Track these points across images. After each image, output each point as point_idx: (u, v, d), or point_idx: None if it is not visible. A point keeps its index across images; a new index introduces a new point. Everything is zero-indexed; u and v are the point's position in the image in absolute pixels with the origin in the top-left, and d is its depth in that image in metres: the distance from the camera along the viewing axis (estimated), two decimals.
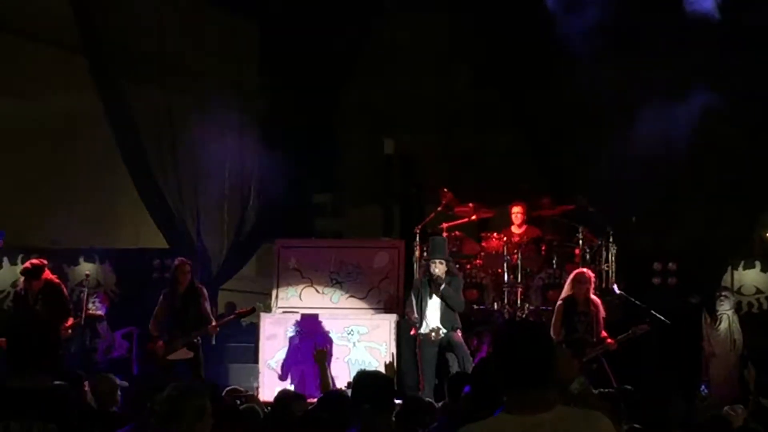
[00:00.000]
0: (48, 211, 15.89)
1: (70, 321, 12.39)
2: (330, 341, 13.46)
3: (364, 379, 5.84)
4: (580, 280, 12.53)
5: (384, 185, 18.25)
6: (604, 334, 12.45)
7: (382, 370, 12.96)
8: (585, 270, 12.84)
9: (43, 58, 15.96)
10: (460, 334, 12.50)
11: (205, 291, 12.68)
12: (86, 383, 8.36)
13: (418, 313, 12.46)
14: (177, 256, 13.05)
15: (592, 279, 12.70)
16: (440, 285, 12.34)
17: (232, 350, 14.90)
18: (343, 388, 9.96)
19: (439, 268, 12.44)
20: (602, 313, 12.51)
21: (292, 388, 12.51)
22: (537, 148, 16.05)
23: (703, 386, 12.90)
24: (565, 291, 12.70)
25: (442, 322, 12.38)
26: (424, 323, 12.44)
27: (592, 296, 12.59)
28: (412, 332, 12.68)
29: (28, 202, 15.73)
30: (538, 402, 4.01)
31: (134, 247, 15.87)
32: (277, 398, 7.85)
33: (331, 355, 13.22)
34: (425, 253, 13.90)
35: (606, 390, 8.03)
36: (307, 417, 6.73)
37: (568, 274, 13.39)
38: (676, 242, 14.73)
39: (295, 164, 15.43)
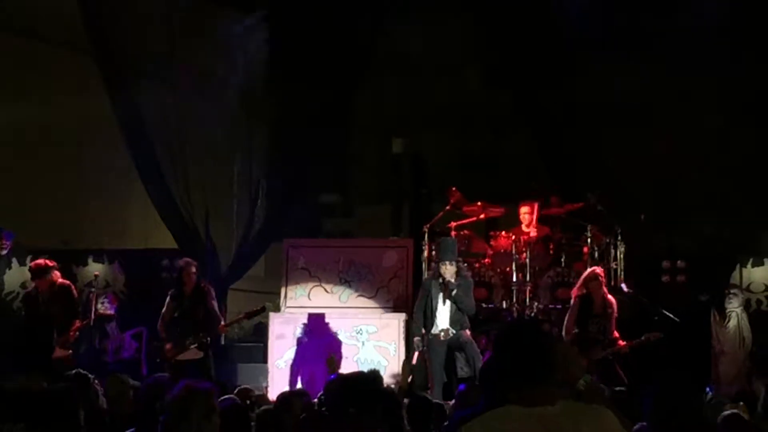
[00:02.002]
0: (57, 213, 15.93)
1: (77, 324, 12.37)
2: (338, 341, 13.47)
3: (345, 383, 5.81)
4: (594, 280, 12.54)
5: (393, 184, 18.25)
6: (616, 334, 12.44)
7: (394, 368, 13.02)
8: (596, 268, 12.85)
9: (54, 60, 16.00)
10: (469, 333, 12.49)
11: (213, 290, 12.67)
12: (96, 384, 8.37)
13: (428, 313, 12.44)
14: (186, 257, 13.06)
15: (603, 277, 12.71)
16: (452, 290, 12.29)
17: (240, 350, 14.92)
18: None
19: (449, 271, 12.36)
20: (615, 313, 12.51)
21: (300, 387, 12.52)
22: (546, 147, 16.02)
23: (708, 388, 12.87)
24: (579, 289, 12.68)
25: (451, 324, 12.34)
26: (434, 324, 12.41)
27: (608, 296, 12.59)
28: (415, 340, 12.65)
29: (37, 203, 15.75)
30: (541, 396, 4.08)
31: (143, 248, 15.89)
32: (278, 398, 7.84)
33: (340, 356, 13.23)
34: (433, 253, 13.92)
35: (618, 389, 8.04)
36: (312, 415, 6.74)
37: (577, 273, 13.42)
38: (685, 240, 14.72)
39: (303, 163, 15.45)
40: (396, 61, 16.95)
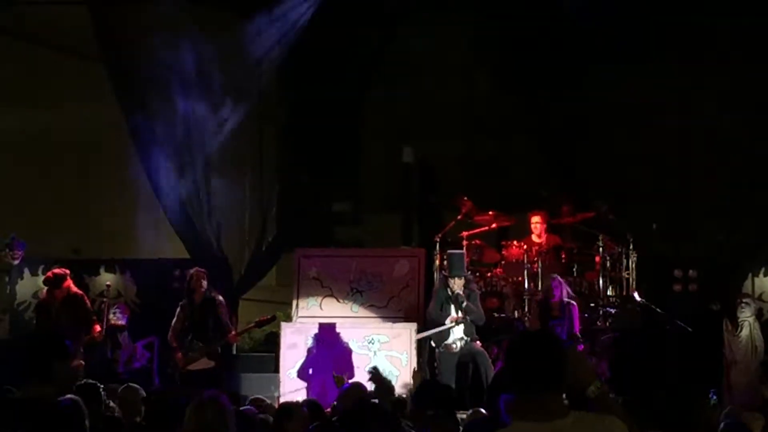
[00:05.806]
0: (69, 222, 15.94)
1: (98, 327, 12.43)
2: (350, 350, 13.45)
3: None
4: (549, 287, 13.16)
5: (403, 194, 18.25)
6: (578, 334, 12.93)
7: (405, 378, 13.00)
8: (554, 276, 13.29)
9: (68, 69, 16.02)
10: (479, 344, 12.55)
11: (223, 300, 12.68)
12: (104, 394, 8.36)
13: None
14: (197, 267, 13.06)
15: (562, 282, 13.20)
16: (461, 302, 12.40)
17: (252, 359, 14.91)
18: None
19: (457, 284, 12.52)
20: (576, 314, 12.88)
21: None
22: (557, 155, 16.00)
23: (712, 393, 12.83)
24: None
25: (466, 333, 12.45)
26: (450, 334, 12.50)
27: (566, 300, 12.99)
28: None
29: (48, 212, 15.77)
30: (552, 408, 4.05)
31: (155, 258, 15.88)
32: (278, 409, 7.82)
33: (351, 366, 13.21)
34: (444, 266, 13.92)
35: (629, 397, 8.03)
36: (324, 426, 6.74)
37: (589, 282, 13.48)
38: (697, 249, 14.68)
39: (314, 173, 15.45)
40: (405, 69, 16.95)
